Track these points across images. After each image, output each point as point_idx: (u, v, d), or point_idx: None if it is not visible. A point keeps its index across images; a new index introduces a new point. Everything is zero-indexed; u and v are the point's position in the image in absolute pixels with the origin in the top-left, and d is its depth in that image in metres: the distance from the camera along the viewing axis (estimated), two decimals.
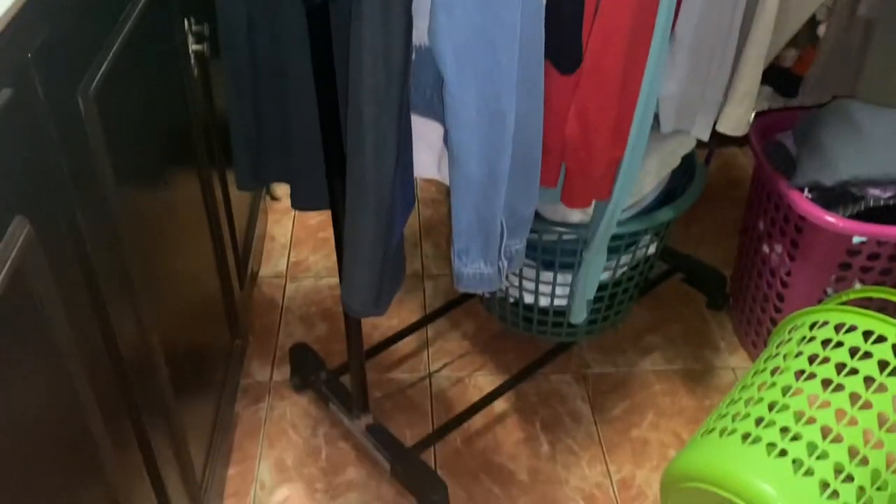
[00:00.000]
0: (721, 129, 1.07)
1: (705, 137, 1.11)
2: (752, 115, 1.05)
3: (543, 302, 1.39)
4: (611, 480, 1.35)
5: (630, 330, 1.63)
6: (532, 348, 1.56)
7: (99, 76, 0.74)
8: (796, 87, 1.30)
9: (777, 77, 1.36)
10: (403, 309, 1.65)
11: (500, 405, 1.46)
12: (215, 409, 1.26)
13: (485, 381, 1.51)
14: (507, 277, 1.22)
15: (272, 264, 1.76)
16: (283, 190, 1.96)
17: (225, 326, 1.35)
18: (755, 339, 1.55)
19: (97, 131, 0.74)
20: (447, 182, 0.94)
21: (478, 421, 1.43)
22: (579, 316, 1.22)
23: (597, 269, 1.18)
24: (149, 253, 0.93)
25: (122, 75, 0.81)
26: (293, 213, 1.91)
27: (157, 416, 0.93)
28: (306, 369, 1.43)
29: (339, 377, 1.41)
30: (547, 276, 1.33)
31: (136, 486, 0.86)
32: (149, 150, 0.94)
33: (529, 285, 1.36)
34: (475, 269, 0.94)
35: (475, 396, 1.47)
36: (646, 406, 1.48)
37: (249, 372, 1.51)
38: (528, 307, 1.41)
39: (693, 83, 1.06)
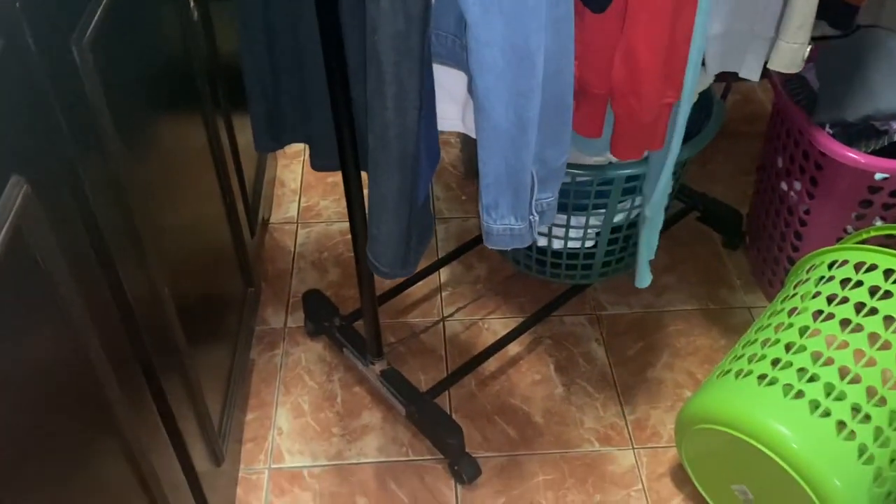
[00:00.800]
0: (774, 66, 1.00)
1: (755, 77, 1.05)
2: (808, 50, 0.99)
3: (557, 245, 1.37)
4: (625, 421, 1.35)
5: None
6: (546, 291, 1.55)
7: (93, 24, 0.71)
8: (851, 18, 1.22)
9: (830, 7, 1.28)
10: None
11: (513, 348, 1.46)
12: (231, 356, 1.26)
13: (498, 325, 1.51)
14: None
15: (283, 210, 1.75)
16: None
17: (237, 275, 1.34)
18: (771, 278, 1.53)
19: (95, 82, 0.72)
20: (473, 134, 0.92)
21: (492, 364, 1.43)
22: (645, 280, 1.20)
23: (656, 227, 1.16)
24: (155, 204, 0.92)
25: (117, 22, 0.78)
26: (302, 158, 1.88)
27: (170, 367, 0.93)
28: (320, 316, 1.43)
29: (352, 323, 1.41)
30: (560, 218, 1.31)
31: (153, 436, 0.86)
32: (150, 99, 0.92)
33: (543, 228, 1.34)
34: (505, 225, 0.92)
35: (489, 340, 1.47)
36: (660, 346, 1.47)
37: (264, 318, 1.52)
38: (542, 250, 1.39)
39: (741, 18, 0.99)
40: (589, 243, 1.37)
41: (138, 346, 0.82)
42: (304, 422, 1.35)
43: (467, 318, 1.52)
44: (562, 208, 1.29)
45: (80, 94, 0.69)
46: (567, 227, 1.32)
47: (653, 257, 1.23)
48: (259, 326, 1.50)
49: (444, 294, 1.57)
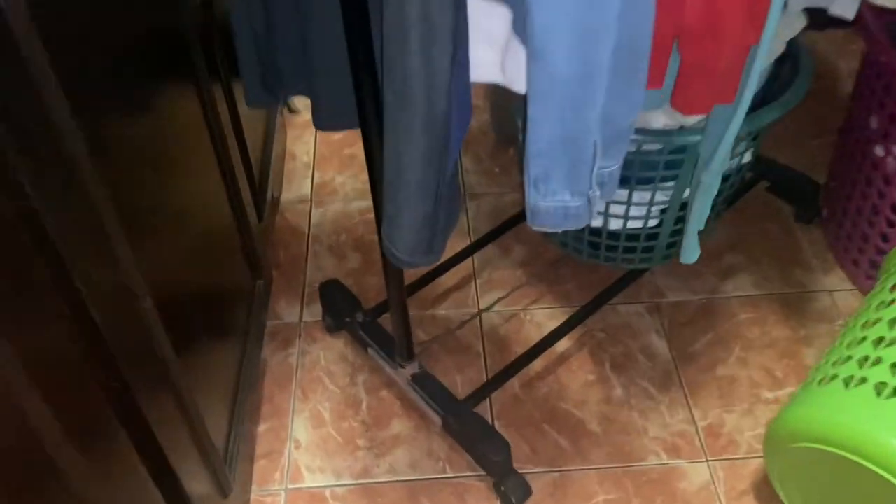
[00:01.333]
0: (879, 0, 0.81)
1: (850, 14, 0.86)
2: None
3: (615, 225, 1.17)
4: (696, 428, 1.16)
5: (707, 250, 1.41)
6: (596, 276, 1.36)
7: None
8: None
9: None
10: None
11: (562, 344, 1.27)
12: (238, 360, 1.09)
13: (543, 317, 1.32)
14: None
15: (295, 187, 1.56)
16: (301, 101, 1.74)
17: (244, 264, 1.16)
18: (857, 256, 1.33)
19: (35, 49, 0.53)
20: (514, 86, 0.72)
21: (538, 363, 1.24)
22: (692, 254, 1.01)
23: (710, 194, 0.96)
24: (133, 189, 0.73)
25: None
26: (314, 129, 1.68)
27: (155, 389, 0.75)
28: (340, 310, 1.24)
29: (377, 318, 1.22)
30: (621, 194, 1.11)
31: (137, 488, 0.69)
32: (120, 65, 0.73)
33: (601, 205, 1.15)
34: (557, 202, 0.73)
35: (533, 334, 1.28)
36: (731, 338, 1.28)
37: (276, 312, 1.34)
38: (596, 231, 1.20)
39: None
40: (652, 222, 1.17)
41: (108, 373, 0.63)
42: (325, 433, 1.17)
43: (507, 310, 1.33)
44: (623, 182, 1.09)
45: (16, 64, 0.51)
46: (628, 204, 1.12)
47: (702, 227, 1.03)
48: (271, 321, 1.32)
49: (479, 282, 1.38)
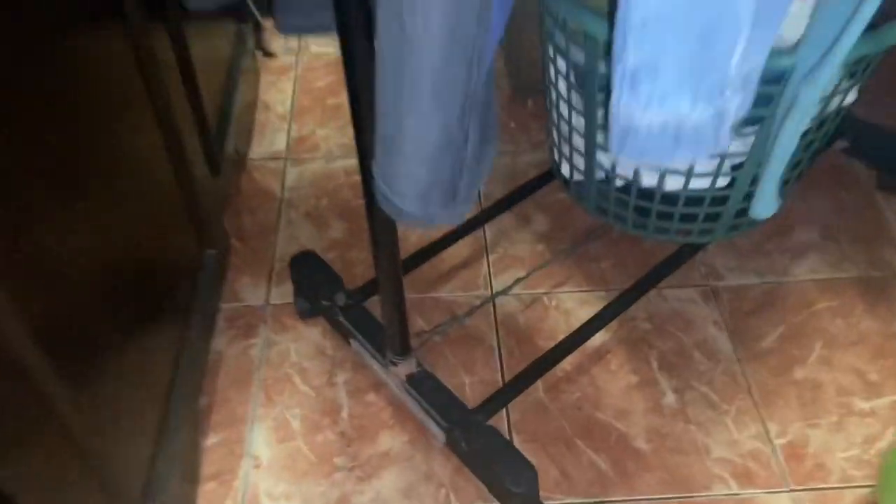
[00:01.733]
0: None
1: None
2: None
3: (673, 184, 0.91)
4: (772, 447, 0.90)
5: (773, 224, 1.15)
6: (638, 252, 1.10)
7: None
8: None
9: None
10: None
11: (597, 337, 1.00)
12: (174, 352, 0.82)
13: (573, 303, 1.06)
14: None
15: (267, 142, 1.29)
16: (279, 44, 1.46)
17: (187, 229, 0.89)
18: None
19: None
20: None
21: (567, 361, 0.98)
22: (769, 206, 0.75)
23: (804, 122, 0.69)
24: (23, 140, 0.46)
25: None
26: (294, 74, 1.41)
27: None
28: (316, 290, 0.97)
29: (363, 301, 0.96)
30: None
31: None
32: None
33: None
34: (667, 114, 0.47)
35: (561, 325, 1.02)
36: (809, 332, 1.02)
37: (236, 292, 1.07)
38: (647, 192, 0.93)
39: None
40: (722, 181, 0.90)
41: None
42: (294, 448, 0.91)
43: (527, 294, 1.06)
44: None
45: None
46: (694, 165, 0.85)
47: (782, 174, 0.77)
48: (228, 304, 1.05)
49: (491, 259, 1.11)
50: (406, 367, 0.87)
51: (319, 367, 0.98)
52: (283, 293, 1.06)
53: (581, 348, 0.99)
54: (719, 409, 0.94)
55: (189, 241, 0.89)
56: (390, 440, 0.91)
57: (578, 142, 0.95)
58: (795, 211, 1.16)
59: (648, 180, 0.91)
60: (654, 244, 1.12)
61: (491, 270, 1.09)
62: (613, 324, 1.02)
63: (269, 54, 1.43)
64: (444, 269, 1.09)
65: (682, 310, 1.04)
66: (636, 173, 0.90)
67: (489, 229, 1.14)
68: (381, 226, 0.72)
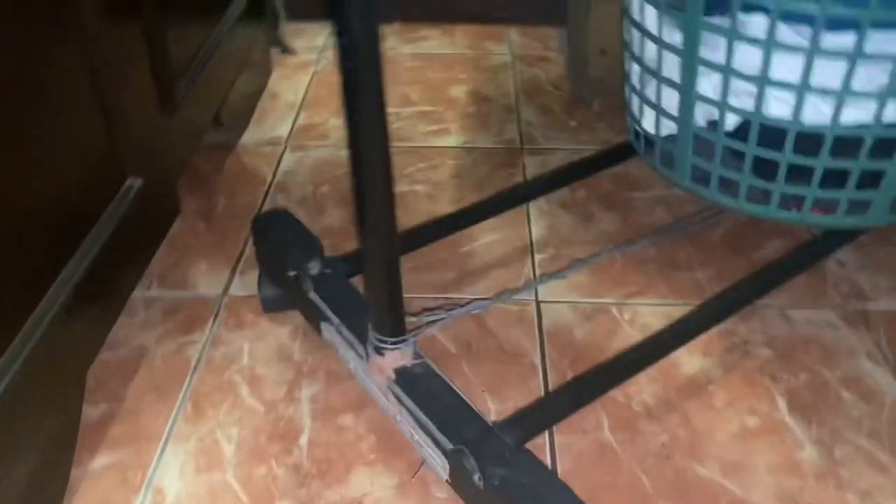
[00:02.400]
0: None
1: None
2: None
3: (816, 115, 0.61)
4: None
5: None
6: (744, 259, 0.79)
7: None
8: None
9: None
10: (489, 183, 0.91)
11: (694, 361, 0.68)
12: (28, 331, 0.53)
13: (654, 317, 0.74)
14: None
15: (266, 128, 1.04)
16: (303, 42, 1.25)
17: (107, 156, 0.62)
18: None
19: None
20: None
21: (649, 392, 0.65)
22: None
23: None
24: None
25: None
26: (313, 70, 1.19)
27: None
28: (283, 258, 0.68)
29: (346, 275, 0.66)
30: (835, 42, 0.56)
31: None
32: None
33: (785, 67, 0.59)
34: None
35: (635, 341, 0.70)
36: None
37: (186, 279, 0.78)
38: (771, 136, 0.63)
39: None
40: (892, 115, 0.60)
41: None
42: (219, 482, 0.59)
43: (587, 302, 0.75)
44: (839, 24, 0.55)
45: None
46: (852, 66, 0.56)
47: None
48: (172, 291, 0.77)
49: (537, 259, 0.81)
50: (396, 358, 0.56)
51: (279, 376, 0.67)
52: (249, 284, 0.77)
53: (670, 376, 0.67)
54: (893, 473, 0.59)
55: (106, 168, 0.62)
56: (367, 482, 0.58)
57: (671, 71, 0.67)
58: None
59: (778, 109, 0.62)
60: (767, 252, 0.81)
61: (535, 272, 0.79)
62: (716, 346, 0.70)
63: (287, 51, 1.22)
64: (469, 267, 0.79)
65: (818, 335, 0.71)
66: (760, 98, 0.61)
67: (536, 226, 0.85)
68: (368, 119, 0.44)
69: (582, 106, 1.08)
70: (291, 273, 0.65)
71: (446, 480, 0.53)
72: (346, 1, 0.41)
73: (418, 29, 1.32)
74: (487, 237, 0.83)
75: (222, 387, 0.66)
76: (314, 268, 0.65)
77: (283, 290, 0.70)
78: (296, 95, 1.12)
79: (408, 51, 1.25)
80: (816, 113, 0.62)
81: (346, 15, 0.42)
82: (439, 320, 0.61)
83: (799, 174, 0.65)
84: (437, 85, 1.15)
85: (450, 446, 0.51)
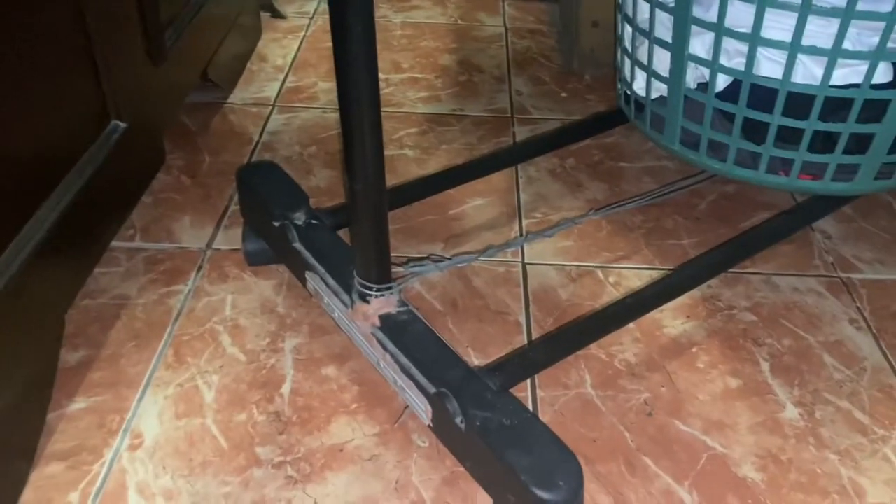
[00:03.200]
0: None
1: None
2: None
3: (806, 76, 0.61)
4: None
5: None
6: (731, 228, 0.79)
7: None
8: None
9: None
10: (479, 149, 0.90)
11: (677, 325, 0.68)
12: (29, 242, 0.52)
13: (639, 280, 0.74)
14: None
15: (255, 88, 1.03)
16: (294, 8, 1.24)
17: (93, 97, 0.61)
18: None
19: None
20: None
21: (632, 351, 0.65)
22: None
23: None
24: None
25: None
26: (303, 34, 1.18)
27: None
28: (267, 208, 0.67)
29: (334, 226, 0.65)
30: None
31: None
32: None
33: (777, 26, 0.59)
34: None
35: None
36: None
37: (170, 231, 0.77)
38: (762, 98, 0.63)
39: None
40: (882, 77, 0.60)
41: None
42: (198, 427, 0.58)
43: (574, 265, 0.75)
44: None
45: None
46: (845, 24, 0.56)
47: None
48: (155, 244, 0.76)
49: (525, 223, 0.81)
50: (381, 305, 0.56)
51: (262, 328, 0.67)
52: (234, 240, 0.76)
53: (653, 336, 0.67)
54: (872, 433, 0.59)
55: (90, 109, 0.61)
56: (348, 430, 0.58)
57: (663, 32, 0.67)
58: None
59: (769, 69, 0.62)
60: (753, 222, 0.81)
61: (524, 229, 0.79)
62: (701, 309, 0.70)
63: (277, 15, 1.21)
64: (457, 230, 0.79)
65: (802, 302, 0.71)
66: (750, 57, 0.61)
67: (525, 192, 0.84)
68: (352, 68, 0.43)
69: (573, 78, 1.08)
70: (276, 223, 0.64)
71: (428, 425, 0.53)
72: None
73: None
74: (476, 201, 0.83)
75: (204, 336, 0.66)
76: (300, 218, 0.64)
77: (268, 242, 0.69)
78: (285, 59, 1.10)
79: (399, 19, 1.24)
80: (807, 74, 0.62)
81: None
82: (425, 271, 0.61)
83: (789, 138, 0.65)
84: (428, 53, 1.14)
85: (433, 390, 0.50)
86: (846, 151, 0.65)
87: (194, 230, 0.78)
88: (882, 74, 0.60)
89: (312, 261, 0.61)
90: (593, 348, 0.65)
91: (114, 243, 0.74)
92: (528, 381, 0.62)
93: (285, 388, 0.61)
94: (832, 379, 0.64)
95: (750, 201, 0.84)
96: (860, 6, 0.56)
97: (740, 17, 0.61)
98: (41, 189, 0.55)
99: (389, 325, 0.55)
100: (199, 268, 0.73)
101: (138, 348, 0.64)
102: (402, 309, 0.56)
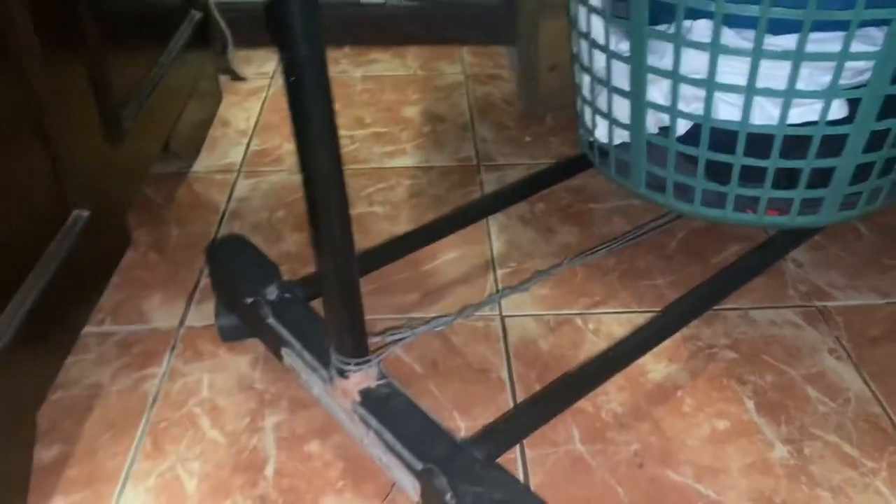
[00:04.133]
0: None
1: None
2: None
3: (764, 116, 0.62)
4: None
5: (886, 234, 0.85)
6: (704, 265, 0.80)
7: None
8: None
9: None
10: (448, 201, 0.90)
11: (660, 369, 0.68)
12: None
13: (618, 325, 0.74)
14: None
15: (217, 155, 1.03)
16: (253, 69, 1.24)
17: (50, 188, 0.60)
18: None
19: None
20: None
21: (618, 401, 0.65)
22: None
23: None
24: None
25: None
26: (264, 95, 1.18)
27: None
28: (238, 283, 0.66)
29: (307, 298, 0.65)
30: (777, 43, 0.57)
31: None
32: None
33: (732, 71, 0.60)
34: None
35: (601, 350, 0.70)
36: None
37: (141, 312, 0.76)
38: (723, 140, 0.64)
39: None
40: (837, 113, 0.61)
41: None
42: None
43: (552, 314, 0.75)
44: (784, 26, 0.56)
45: None
46: (796, 66, 0.57)
47: None
48: (125, 326, 0.74)
49: (499, 273, 0.80)
50: (361, 379, 0.55)
51: (241, 407, 0.65)
52: (206, 314, 0.75)
53: (638, 384, 0.66)
54: (862, 466, 0.59)
55: (50, 201, 0.60)
56: None
57: (621, 80, 0.68)
58: None
59: (727, 112, 0.63)
60: (726, 256, 0.81)
61: (499, 286, 0.78)
62: (682, 351, 0.70)
63: (237, 77, 1.21)
64: (432, 286, 0.78)
65: (780, 335, 0.72)
66: (708, 102, 0.62)
67: (497, 241, 0.84)
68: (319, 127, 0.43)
69: (535, 121, 1.09)
70: (249, 300, 0.63)
71: (417, 502, 0.52)
72: (290, 25, 0.41)
73: (369, 52, 1.32)
74: (449, 255, 0.82)
75: (182, 421, 0.64)
76: (272, 293, 0.63)
77: (242, 319, 0.68)
78: (248, 122, 1.10)
79: (359, 73, 1.24)
80: (765, 115, 0.63)
81: (291, 38, 0.41)
82: (403, 339, 0.60)
83: (752, 177, 0.66)
84: (390, 106, 1.14)
85: (419, 466, 0.49)
86: (810, 186, 0.65)
87: (165, 308, 0.76)
88: (837, 110, 0.61)
89: (288, 337, 0.60)
90: (579, 401, 0.65)
91: (83, 329, 0.72)
92: None
93: (269, 470, 0.60)
94: (817, 412, 0.64)
95: (720, 235, 0.84)
96: (810, 47, 0.57)
97: (695, 63, 0.62)
98: (5, 288, 0.53)
99: (370, 401, 0.54)
100: (173, 347, 0.72)
101: (115, 439, 0.63)
102: (381, 382, 0.55)
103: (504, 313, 0.75)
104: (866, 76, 0.60)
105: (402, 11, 1.35)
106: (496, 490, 0.46)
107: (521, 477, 0.59)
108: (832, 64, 0.58)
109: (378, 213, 0.90)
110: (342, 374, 0.55)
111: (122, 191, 0.75)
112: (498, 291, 0.77)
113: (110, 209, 0.70)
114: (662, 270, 0.80)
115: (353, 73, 1.25)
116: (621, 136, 0.72)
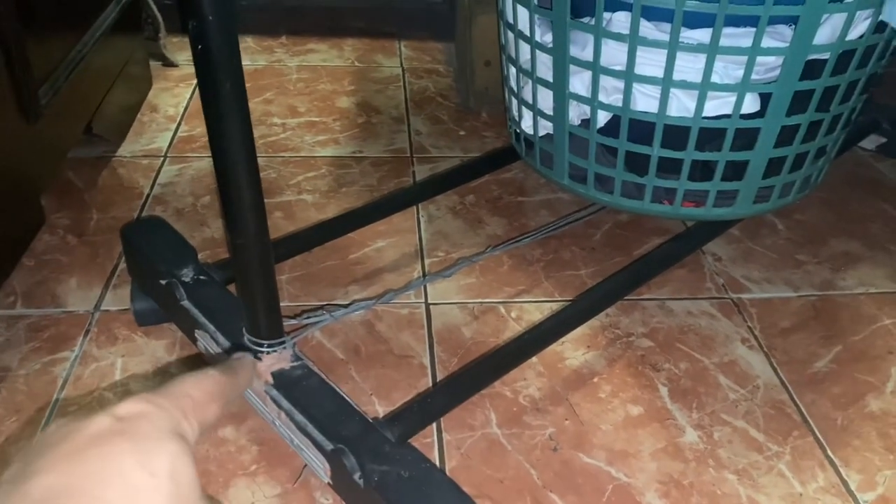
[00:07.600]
0: None
1: None
2: None
3: (679, 108, 0.63)
4: (855, 501, 0.57)
5: (801, 233, 0.88)
6: (626, 256, 0.81)
7: None
8: None
9: None
10: (379, 191, 0.90)
11: (577, 356, 0.69)
12: None
13: (541, 313, 0.74)
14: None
15: (144, 140, 1.00)
16: (184, 56, 1.22)
17: None
18: None
19: None
20: None
21: (535, 385, 0.66)
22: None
23: None
24: None
25: None
26: (195, 82, 1.15)
27: None
28: (153, 266, 0.65)
29: (222, 282, 0.64)
30: (691, 36, 0.58)
31: None
32: None
33: (650, 63, 0.61)
34: None
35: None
36: (880, 355, 0.71)
37: (55, 296, 0.74)
38: (642, 132, 0.65)
39: None
40: (749, 107, 0.63)
41: None
42: None
43: (476, 301, 0.75)
44: (695, 19, 0.58)
45: None
46: (709, 61, 0.58)
47: None
48: (36, 309, 0.72)
49: (427, 262, 0.81)
50: (274, 361, 0.54)
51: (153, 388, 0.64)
52: (124, 299, 0.73)
53: (556, 369, 0.67)
54: (767, 450, 0.61)
55: None
56: (248, 493, 0.56)
57: (545, 71, 0.69)
58: (821, 219, 0.89)
59: (645, 104, 0.64)
60: (648, 248, 0.83)
61: (427, 274, 0.78)
62: (600, 339, 0.71)
63: (168, 63, 1.19)
64: (359, 274, 0.78)
65: (696, 325, 0.73)
66: (627, 93, 0.63)
67: (426, 231, 0.84)
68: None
69: (470, 115, 1.09)
70: (163, 281, 0.62)
71: (328, 483, 0.51)
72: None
73: (306, 42, 1.31)
74: (378, 243, 0.82)
75: (91, 405, 0.63)
76: (187, 275, 0.62)
77: (157, 301, 0.66)
78: (177, 108, 1.08)
79: (295, 63, 1.23)
80: (681, 108, 0.64)
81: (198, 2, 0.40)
82: (320, 322, 0.59)
83: (670, 168, 0.68)
84: (325, 96, 1.13)
85: (329, 446, 0.49)
86: (724, 178, 0.67)
87: (81, 292, 0.74)
88: (750, 104, 0.63)
89: (202, 318, 0.59)
90: (497, 386, 0.65)
91: None
92: (434, 425, 0.61)
93: None
94: (728, 399, 0.66)
95: (643, 228, 0.86)
96: (724, 42, 0.59)
97: (615, 55, 0.63)
98: None
99: (283, 382, 0.53)
100: (87, 331, 0.70)
101: (20, 423, 0.61)
102: (296, 364, 0.54)
103: (430, 301, 0.75)
104: (778, 72, 0.62)
105: (342, 3, 1.34)
106: (403, 468, 0.46)
107: (436, 459, 0.59)
108: (745, 58, 0.60)
109: (307, 202, 0.89)
110: (255, 356, 0.54)
111: (37, 169, 0.73)
112: (425, 288, 0.77)
113: (22, 186, 0.68)
114: (586, 261, 0.81)
115: (288, 62, 1.24)
116: (546, 127, 0.73)
